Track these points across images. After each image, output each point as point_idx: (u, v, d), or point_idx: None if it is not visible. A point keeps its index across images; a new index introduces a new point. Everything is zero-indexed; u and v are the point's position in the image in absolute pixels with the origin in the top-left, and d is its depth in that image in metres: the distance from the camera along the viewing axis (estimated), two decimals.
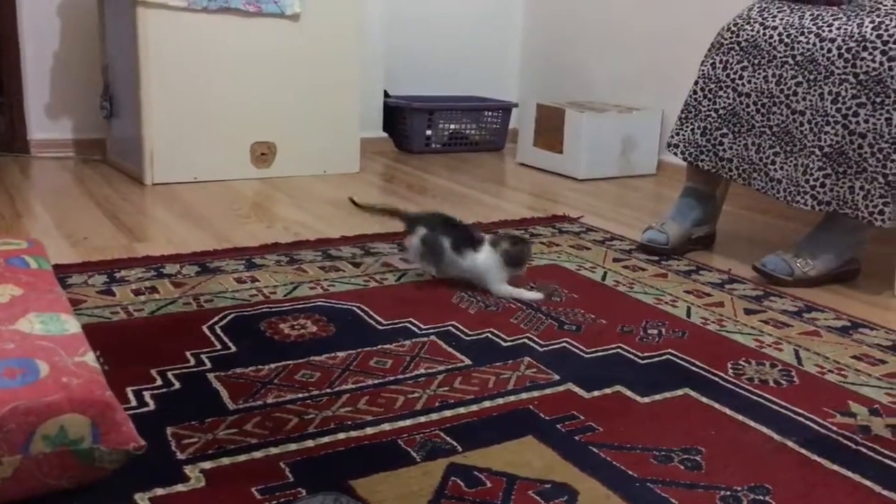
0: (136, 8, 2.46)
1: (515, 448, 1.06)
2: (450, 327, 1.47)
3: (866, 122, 1.70)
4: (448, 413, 1.14)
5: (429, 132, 3.46)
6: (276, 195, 2.56)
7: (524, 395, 1.21)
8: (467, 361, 1.32)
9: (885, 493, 0.99)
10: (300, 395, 1.18)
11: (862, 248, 1.91)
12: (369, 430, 1.08)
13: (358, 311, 1.53)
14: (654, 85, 3.16)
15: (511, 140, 3.61)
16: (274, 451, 1.02)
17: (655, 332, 1.50)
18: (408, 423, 1.11)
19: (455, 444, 1.06)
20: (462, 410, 1.15)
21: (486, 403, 1.18)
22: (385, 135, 3.46)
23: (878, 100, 1.68)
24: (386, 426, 1.10)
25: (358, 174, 2.94)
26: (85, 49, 2.95)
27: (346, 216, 2.30)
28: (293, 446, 1.03)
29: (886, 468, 1.05)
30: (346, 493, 0.93)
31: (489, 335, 1.45)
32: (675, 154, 2.07)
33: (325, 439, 1.06)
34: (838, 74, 1.74)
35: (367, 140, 3.18)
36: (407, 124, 3.42)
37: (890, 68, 1.66)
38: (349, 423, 1.10)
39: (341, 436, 1.07)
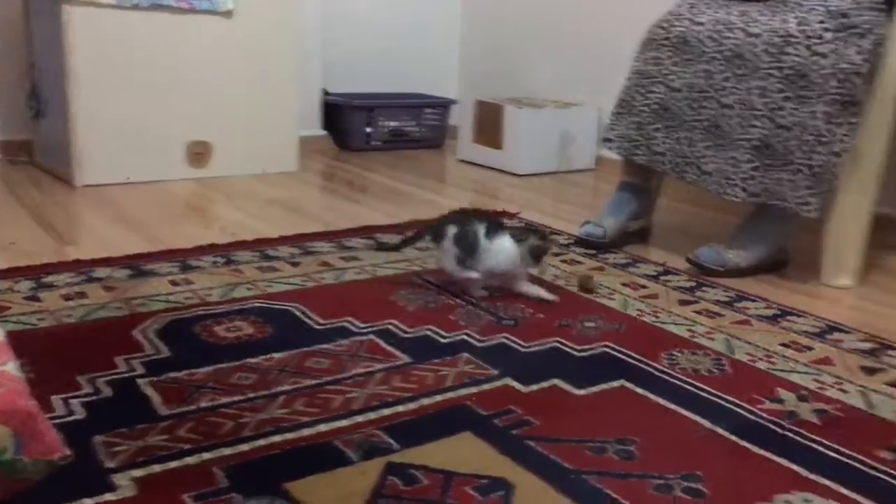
0: (62, 5, 2.39)
1: (452, 444, 1.06)
2: (388, 325, 1.46)
3: (792, 115, 1.75)
4: (386, 412, 1.14)
5: (369, 129, 3.44)
6: (212, 195, 2.51)
7: (462, 392, 1.21)
8: (406, 359, 1.32)
9: (811, 476, 1.02)
10: (235, 399, 1.16)
11: (791, 238, 1.96)
12: (306, 432, 1.07)
13: (295, 312, 1.51)
14: (591, 81, 3.19)
15: (451, 137, 3.61)
16: (207, 456, 1.00)
17: (592, 325, 1.51)
18: (345, 423, 1.10)
19: (392, 442, 1.05)
20: (400, 409, 1.15)
21: (424, 401, 1.18)
22: (325, 133, 3.44)
23: (803, 93, 1.73)
24: (323, 427, 1.09)
25: (297, 173, 2.91)
26: (9, 47, 2.85)
27: (285, 214, 2.27)
28: (227, 451, 1.02)
29: (813, 452, 1.08)
30: (280, 497, 0.92)
31: (428, 332, 1.44)
32: (611, 149, 2.09)
33: (261, 442, 1.04)
34: (764, 69, 1.78)
35: (306, 138, 3.15)
36: (346, 122, 3.40)
37: (814, 63, 1.71)
38: (285, 424, 1.09)
39: (277, 438, 1.05)
